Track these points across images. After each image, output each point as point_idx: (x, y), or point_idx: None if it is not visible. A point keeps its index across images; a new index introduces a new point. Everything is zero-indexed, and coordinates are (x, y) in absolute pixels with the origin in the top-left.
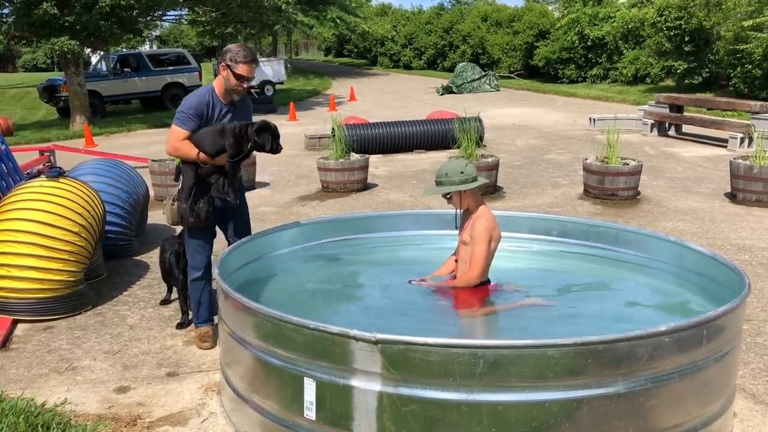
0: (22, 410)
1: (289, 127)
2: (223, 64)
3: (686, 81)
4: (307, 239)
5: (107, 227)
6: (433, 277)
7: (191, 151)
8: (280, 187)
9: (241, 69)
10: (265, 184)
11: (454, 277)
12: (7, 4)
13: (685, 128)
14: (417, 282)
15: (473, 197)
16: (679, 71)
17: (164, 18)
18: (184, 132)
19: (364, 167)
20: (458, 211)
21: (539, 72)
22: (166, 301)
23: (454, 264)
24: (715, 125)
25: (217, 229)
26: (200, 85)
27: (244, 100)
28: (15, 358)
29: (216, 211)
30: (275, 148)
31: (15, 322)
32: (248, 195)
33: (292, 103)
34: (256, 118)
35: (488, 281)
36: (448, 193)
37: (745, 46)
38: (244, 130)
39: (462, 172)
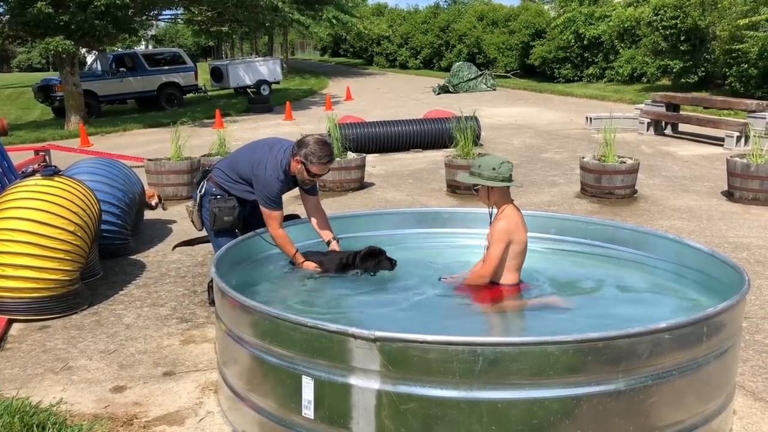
0: (18, 410)
1: (286, 127)
2: (298, 158)
3: (682, 80)
4: (305, 237)
5: (103, 226)
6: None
7: (289, 249)
8: None
9: (316, 168)
10: None
11: None
12: (1, 3)
13: (682, 127)
14: (449, 280)
15: (501, 197)
16: (675, 70)
17: (160, 17)
18: (280, 212)
19: (361, 166)
20: (491, 210)
21: (535, 71)
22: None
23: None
24: (712, 124)
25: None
26: (196, 85)
27: None
28: (10, 357)
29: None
30: (391, 267)
31: (10, 322)
32: None
33: (288, 102)
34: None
35: (520, 282)
36: (476, 185)
37: (740, 46)
38: (351, 260)
39: (494, 169)
